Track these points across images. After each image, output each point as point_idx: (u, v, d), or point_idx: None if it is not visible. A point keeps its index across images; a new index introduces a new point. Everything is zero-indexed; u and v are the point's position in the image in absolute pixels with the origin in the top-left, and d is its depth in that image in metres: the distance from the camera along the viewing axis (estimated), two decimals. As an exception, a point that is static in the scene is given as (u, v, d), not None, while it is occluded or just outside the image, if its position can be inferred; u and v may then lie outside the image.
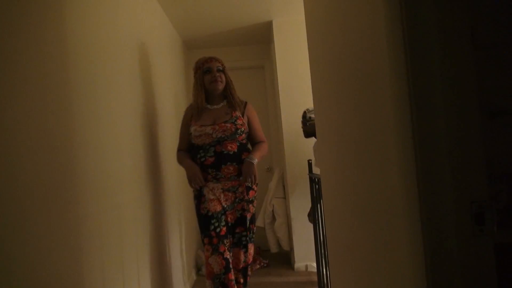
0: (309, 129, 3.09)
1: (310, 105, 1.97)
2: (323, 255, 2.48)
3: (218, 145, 2.25)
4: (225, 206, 2.26)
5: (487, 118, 1.44)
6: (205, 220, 2.22)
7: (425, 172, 0.76)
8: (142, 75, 2.22)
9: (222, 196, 2.26)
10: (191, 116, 2.34)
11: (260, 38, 4.03)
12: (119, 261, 1.64)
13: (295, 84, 3.47)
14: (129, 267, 1.74)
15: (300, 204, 3.36)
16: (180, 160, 2.36)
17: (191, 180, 2.25)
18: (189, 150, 2.36)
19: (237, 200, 2.30)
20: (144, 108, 2.21)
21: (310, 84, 1.89)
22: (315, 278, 3.04)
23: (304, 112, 3.08)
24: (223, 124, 2.26)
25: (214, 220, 2.21)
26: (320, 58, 1.67)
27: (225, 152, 2.24)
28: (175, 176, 2.86)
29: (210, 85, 2.32)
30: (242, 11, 3.27)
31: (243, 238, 2.33)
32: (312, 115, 3.04)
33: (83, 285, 1.28)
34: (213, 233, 2.20)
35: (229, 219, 2.29)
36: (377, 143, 1.00)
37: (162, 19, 3.01)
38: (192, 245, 3.48)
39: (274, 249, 3.74)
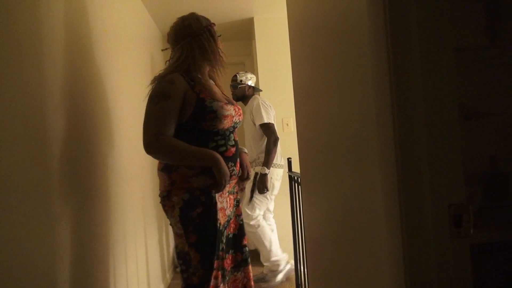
0: (239, 92, 3.18)
1: (291, 104, 1.97)
2: (301, 253, 2.49)
3: (234, 132, 1.73)
4: (229, 213, 1.73)
5: (462, 120, 1.48)
6: (217, 236, 1.59)
7: (405, 175, 0.77)
8: (116, 69, 2.16)
9: (228, 201, 1.72)
10: (193, 88, 1.61)
11: (241, 34, 4.01)
12: (91, 261, 1.60)
13: (276, 81, 3.48)
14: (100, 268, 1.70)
15: (279, 202, 3.37)
16: (184, 150, 1.55)
17: (225, 179, 1.57)
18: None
19: (235, 202, 1.80)
20: (123, 101, 2.16)
21: (291, 81, 1.89)
22: (292, 274, 3.07)
23: (235, 76, 3.16)
24: (237, 106, 1.78)
25: (223, 237, 1.65)
26: (302, 55, 1.67)
27: (237, 141, 1.75)
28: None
29: (223, 56, 1.77)
30: (223, 7, 3.24)
31: (245, 249, 1.82)
32: (243, 78, 3.13)
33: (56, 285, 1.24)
34: (222, 254, 1.63)
35: (231, 229, 1.76)
36: (359, 144, 1.01)
37: (141, 12, 2.94)
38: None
39: (252, 246, 3.75)
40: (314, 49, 1.43)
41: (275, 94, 3.47)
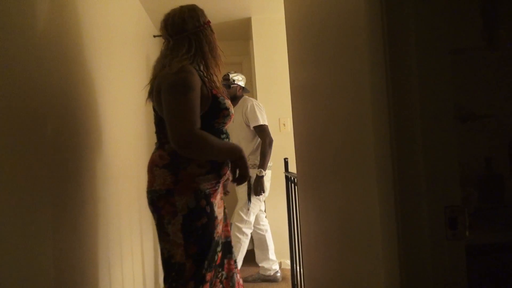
0: (231, 92, 3.12)
1: (288, 104, 1.97)
2: (297, 253, 2.50)
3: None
4: (220, 218, 1.64)
5: (458, 122, 1.48)
6: (215, 248, 1.54)
7: (401, 177, 0.77)
8: (107, 65, 2.13)
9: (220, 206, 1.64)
10: (205, 83, 1.54)
11: (239, 34, 4.01)
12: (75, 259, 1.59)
13: (273, 81, 3.48)
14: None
15: (275, 203, 3.38)
16: (216, 143, 1.49)
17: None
18: None
19: (224, 207, 1.71)
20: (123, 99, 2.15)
21: (288, 81, 1.89)
22: (288, 274, 3.07)
23: (227, 75, 3.11)
24: None
25: (221, 244, 1.60)
26: (299, 56, 1.67)
27: None
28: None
29: (221, 54, 1.69)
30: (221, 6, 3.24)
31: (233, 249, 1.76)
32: (236, 78, 3.11)
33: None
34: (213, 264, 1.55)
35: (223, 235, 1.67)
36: (355, 146, 1.01)
37: (139, 11, 2.93)
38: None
39: (248, 246, 3.75)
40: (311, 50, 1.43)
41: (272, 94, 3.47)
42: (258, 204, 3.07)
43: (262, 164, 2.95)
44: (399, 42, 0.79)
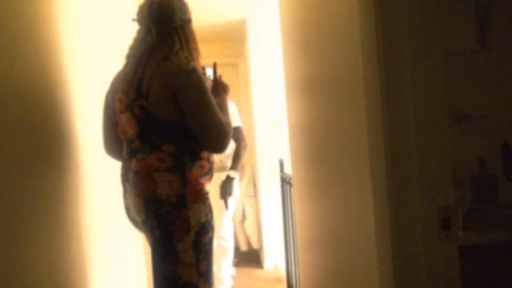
0: None
1: (283, 105, 1.97)
2: (292, 254, 2.50)
3: None
4: None
5: (452, 124, 1.49)
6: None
7: (394, 177, 0.77)
8: (89, 61, 1.96)
9: None
10: None
11: (234, 35, 4.01)
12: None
13: (268, 83, 3.48)
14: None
15: (271, 203, 3.38)
16: (228, 117, 1.50)
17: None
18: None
19: None
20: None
21: (283, 82, 1.89)
22: (284, 275, 3.07)
23: (204, 69, 2.89)
24: None
25: None
26: (294, 57, 1.67)
27: None
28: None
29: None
30: (216, 7, 3.24)
31: None
32: (211, 74, 2.95)
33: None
34: None
35: None
36: (349, 147, 1.01)
37: (135, 12, 2.91)
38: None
39: (243, 247, 3.75)
40: (306, 51, 1.43)
41: (267, 95, 3.47)
42: (233, 205, 2.98)
43: (235, 166, 2.81)
44: (393, 44, 0.80)
